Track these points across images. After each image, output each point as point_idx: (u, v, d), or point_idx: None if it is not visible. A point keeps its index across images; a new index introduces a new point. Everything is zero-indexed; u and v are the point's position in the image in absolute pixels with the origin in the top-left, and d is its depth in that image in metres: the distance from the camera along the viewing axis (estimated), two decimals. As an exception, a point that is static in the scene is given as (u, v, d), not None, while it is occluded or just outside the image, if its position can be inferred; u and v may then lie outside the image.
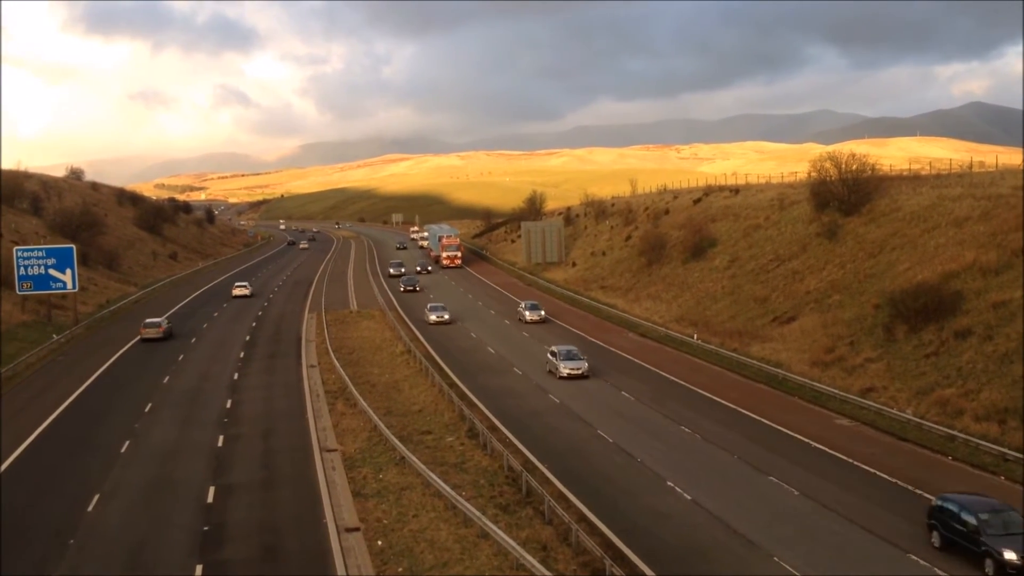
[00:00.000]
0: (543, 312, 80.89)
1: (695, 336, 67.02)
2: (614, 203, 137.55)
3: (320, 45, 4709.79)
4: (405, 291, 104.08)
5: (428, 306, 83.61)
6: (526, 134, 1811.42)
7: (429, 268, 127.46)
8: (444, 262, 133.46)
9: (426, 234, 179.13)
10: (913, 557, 28.54)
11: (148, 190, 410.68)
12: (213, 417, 48.68)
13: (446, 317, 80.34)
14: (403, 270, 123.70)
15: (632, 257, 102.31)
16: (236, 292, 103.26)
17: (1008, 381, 42.73)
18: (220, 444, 43.40)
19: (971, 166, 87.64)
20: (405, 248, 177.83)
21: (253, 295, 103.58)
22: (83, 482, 37.60)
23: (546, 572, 26.24)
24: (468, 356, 65.25)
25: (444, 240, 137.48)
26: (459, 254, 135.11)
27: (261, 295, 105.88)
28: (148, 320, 75.25)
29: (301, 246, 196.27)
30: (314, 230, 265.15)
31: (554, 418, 47.31)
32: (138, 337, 72.80)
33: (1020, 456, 36.64)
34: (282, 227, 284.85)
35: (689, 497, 34.42)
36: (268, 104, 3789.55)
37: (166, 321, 76.81)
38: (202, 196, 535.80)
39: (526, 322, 79.18)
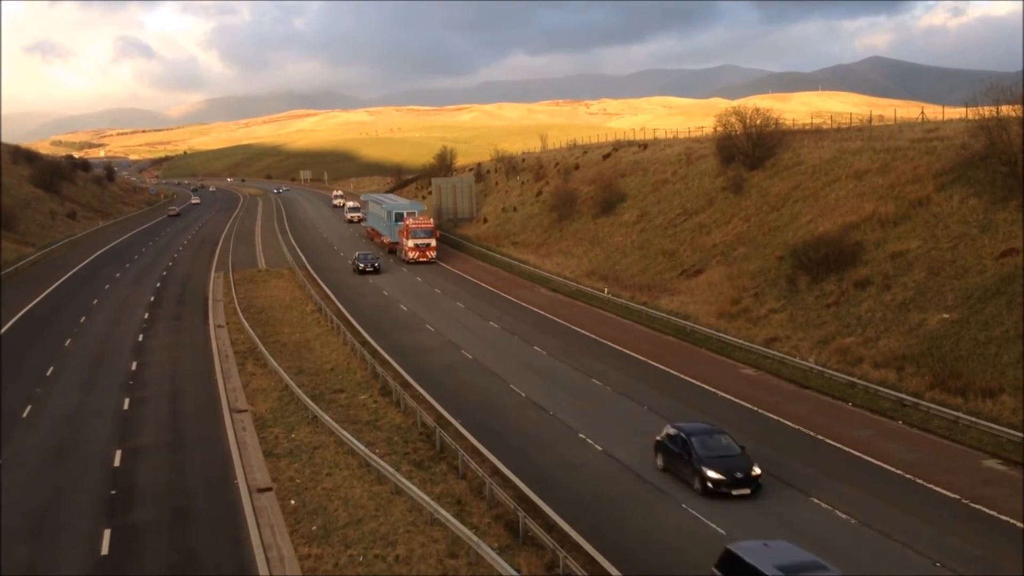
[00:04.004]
0: None
1: (605, 290, 67.71)
2: (524, 159, 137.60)
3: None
4: None
5: None
6: (436, 89, 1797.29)
7: None
8: (409, 255, 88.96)
9: (355, 204, 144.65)
10: (815, 500, 29.52)
11: (44, 147, 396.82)
12: (118, 380, 47.60)
13: None
14: None
15: (543, 212, 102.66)
16: (170, 212, 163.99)
17: (905, 329, 44.29)
18: (126, 407, 42.50)
19: (871, 120, 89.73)
20: (378, 268, 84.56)
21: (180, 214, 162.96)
22: (-18, 449, 36.45)
23: (460, 526, 26.43)
24: (380, 313, 64.88)
25: (410, 222, 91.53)
26: (433, 242, 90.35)
27: (165, 254, 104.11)
28: (171, 206, 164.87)
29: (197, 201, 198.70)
30: (199, 183, 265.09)
31: (467, 374, 47.41)
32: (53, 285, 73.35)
33: (917, 401, 38.04)
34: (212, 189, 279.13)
35: (600, 448, 34.96)
36: (172, 57, 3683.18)
37: (178, 207, 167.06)
38: (101, 153, 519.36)
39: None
